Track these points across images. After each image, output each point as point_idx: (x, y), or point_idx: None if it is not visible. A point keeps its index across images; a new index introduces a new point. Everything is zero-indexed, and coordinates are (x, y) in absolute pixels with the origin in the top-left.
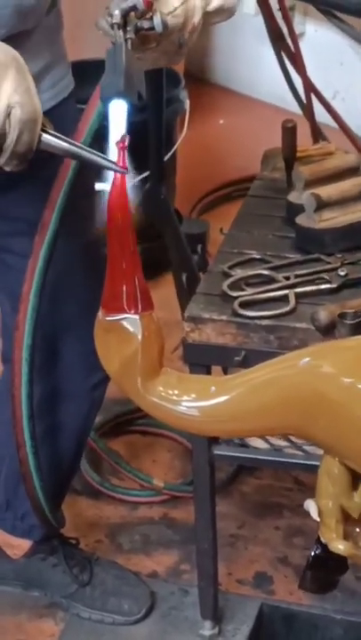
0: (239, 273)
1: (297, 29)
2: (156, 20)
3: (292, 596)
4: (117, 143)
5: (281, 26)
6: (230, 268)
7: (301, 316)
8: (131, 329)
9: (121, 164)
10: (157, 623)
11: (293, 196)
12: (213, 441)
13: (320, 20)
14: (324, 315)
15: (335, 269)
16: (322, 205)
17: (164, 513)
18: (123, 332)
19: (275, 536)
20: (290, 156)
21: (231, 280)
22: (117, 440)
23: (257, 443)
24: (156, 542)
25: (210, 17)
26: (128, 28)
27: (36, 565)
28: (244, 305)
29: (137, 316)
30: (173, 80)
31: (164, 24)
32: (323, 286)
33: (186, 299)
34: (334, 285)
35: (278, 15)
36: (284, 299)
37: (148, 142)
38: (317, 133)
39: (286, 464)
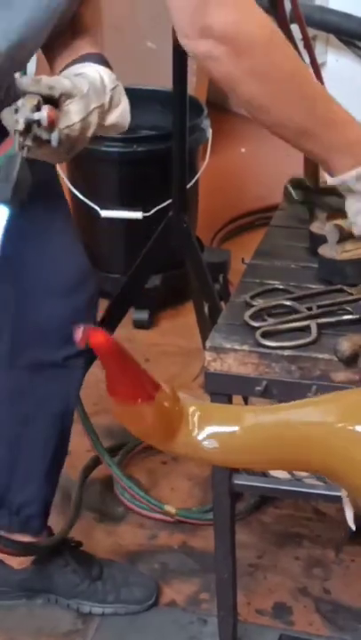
0: (261, 303)
1: (319, 59)
2: (54, 136)
3: (311, 627)
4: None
5: (303, 55)
6: (252, 297)
7: (323, 347)
8: (143, 413)
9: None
10: None
11: (316, 227)
12: (234, 470)
13: (341, 50)
14: (346, 345)
15: (357, 300)
16: (345, 237)
17: (183, 541)
18: (136, 414)
19: (294, 566)
20: (313, 185)
21: (253, 310)
22: (136, 468)
23: (277, 473)
24: (175, 571)
25: (104, 130)
26: (27, 135)
27: (44, 570)
28: (266, 335)
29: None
30: (196, 109)
31: (60, 140)
32: (345, 317)
33: (207, 328)
34: (357, 316)
35: (301, 44)
36: (307, 329)
37: (171, 171)
38: None
39: (306, 494)
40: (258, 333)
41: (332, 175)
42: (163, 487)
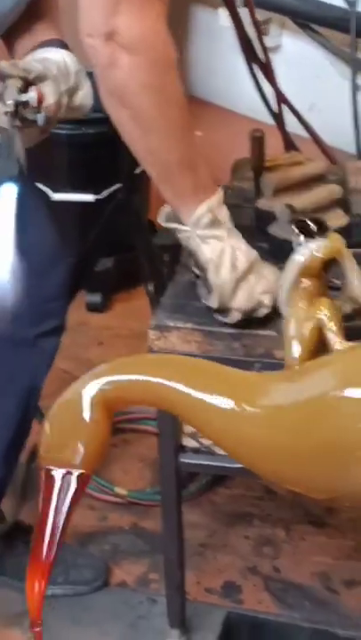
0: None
1: (274, 42)
2: (40, 116)
3: (260, 605)
4: None
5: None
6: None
7: (267, 325)
8: None
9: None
10: (125, 632)
11: (262, 204)
12: (180, 449)
13: (297, 33)
14: None
15: None
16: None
17: (134, 522)
18: None
19: (244, 545)
20: (258, 165)
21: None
22: None
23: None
24: (126, 551)
25: (71, 112)
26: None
27: None
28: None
29: None
30: None
31: (46, 119)
32: None
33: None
34: None
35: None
36: None
37: (119, 155)
38: (290, 144)
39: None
40: (201, 307)
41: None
42: (114, 469)
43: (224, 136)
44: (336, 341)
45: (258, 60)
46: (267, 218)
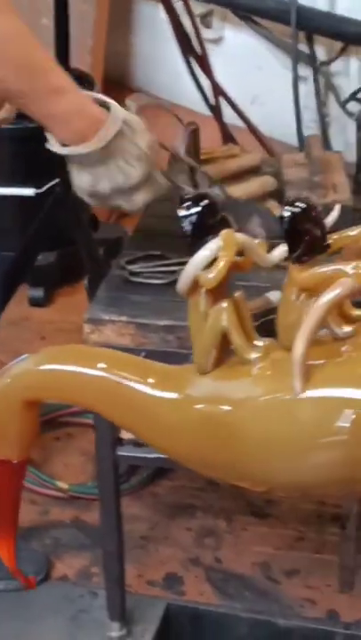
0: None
1: (216, 35)
2: None
3: (201, 596)
4: None
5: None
6: (128, 263)
7: None
8: None
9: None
10: (66, 626)
11: None
12: (118, 442)
13: (239, 25)
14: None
15: None
16: None
17: (76, 516)
18: None
19: (186, 537)
20: (194, 157)
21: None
22: None
23: None
24: (67, 545)
25: None
26: None
27: None
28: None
29: None
30: (87, 84)
31: None
32: None
33: None
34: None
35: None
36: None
37: None
38: (228, 136)
39: None
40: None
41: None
42: (56, 463)
43: (166, 128)
44: (242, 348)
45: (194, 53)
46: None
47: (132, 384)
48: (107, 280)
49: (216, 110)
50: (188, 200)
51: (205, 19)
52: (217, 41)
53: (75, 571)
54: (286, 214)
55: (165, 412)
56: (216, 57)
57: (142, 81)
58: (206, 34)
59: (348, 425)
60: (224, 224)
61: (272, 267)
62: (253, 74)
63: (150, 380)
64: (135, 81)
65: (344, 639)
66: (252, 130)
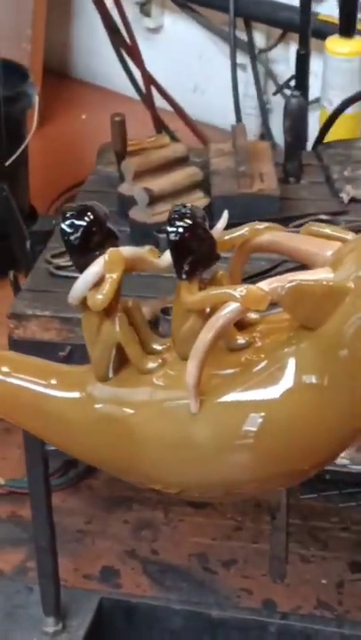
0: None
1: (155, 23)
2: None
3: (138, 588)
4: None
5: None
6: (53, 257)
7: None
8: None
9: None
10: (2, 622)
11: (124, 188)
12: None
13: (178, 14)
14: (145, 310)
15: None
16: (154, 199)
17: (12, 511)
18: None
19: (123, 530)
20: (120, 148)
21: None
22: None
23: None
24: (3, 540)
25: None
26: None
27: None
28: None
29: None
30: (20, 75)
31: None
32: None
33: None
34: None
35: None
36: None
37: None
38: (160, 125)
39: None
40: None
41: None
42: None
43: (107, 118)
44: (137, 360)
45: (124, 43)
46: (128, 202)
47: (34, 387)
48: (32, 274)
49: (147, 99)
50: (71, 213)
51: (144, 7)
52: (157, 30)
53: (11, 566)
54: (171, 234)
55: (68, 411)
56: (156, 46)
57: (82, 71)
58: (146, 23)
59: (254, 429)
60: (111, 237)
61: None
62: (194, 62)
63: (52, 382)
64: (75, 71)
65: (277, 629)
66: (185, 119)
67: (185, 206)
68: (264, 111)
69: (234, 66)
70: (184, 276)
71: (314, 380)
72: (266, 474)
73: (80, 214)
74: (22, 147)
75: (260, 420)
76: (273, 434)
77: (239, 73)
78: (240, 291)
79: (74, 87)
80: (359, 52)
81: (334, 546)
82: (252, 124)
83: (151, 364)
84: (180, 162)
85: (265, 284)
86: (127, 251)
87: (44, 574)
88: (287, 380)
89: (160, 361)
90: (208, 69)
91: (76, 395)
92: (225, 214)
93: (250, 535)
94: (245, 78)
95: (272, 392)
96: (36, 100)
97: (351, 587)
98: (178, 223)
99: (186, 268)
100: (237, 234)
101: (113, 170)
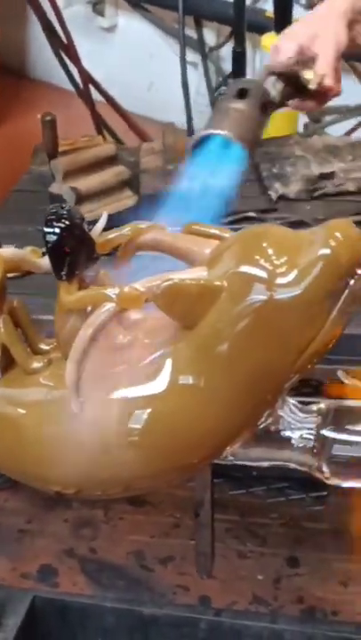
0: None
1: (109, 22)
2: None
3: (75, 587)
4: None
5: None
6: None
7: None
8: None
9: None
10: None
11: (54, 188)
12: None
13: (132, 13)
14: None
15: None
16: (82, 198)
17: None
18: None
19: (62, 528)
20: (51, 148)
21: None
22: None
23: None
24: None
25: None
26: None
27: None
28: None
29: None
30: None
31: None
32: None
33: None
34: (93, 274)
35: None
36: None
37: None
38: (100, 123)
39: None
40: None
41: None
42: None
43: (65, 118)
44: (23, 361)
45: (61, 42)
46: (58, 202)
47: None
48: None
49: (86, 98)
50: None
51: (97, 6)
52: (111, 29)
53: None
54: (48, 235)
55: None
56: (111, 45)
57: (40, 71)
58: (100, 22)
59: (138, 426)
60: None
61: None
62: (147, 61)
63: None
64: (34, 70)
65: (208, 625)
66: (124, 116)
67: (62, 207)
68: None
69: (184, 64)
70: (63, 277)
71: (191, 380)
72: (155, 469)
73: (58, 219)
74: None
75: (145, 417)
76: (157, 431)
77: (191, 71)
78: (115, 291)
79: (32, 87)
80: None
81: (273, 541)
82: (204, 122)
83: (36, 364)
84: (110, 161)
85: (140, 284)
86: (7, 252)
87: None
88: (165, 380)
89: (46, 361)
90: (161, 68)
91: None
92: (104, 215)
93: (188, 532)
94: (197, 76)
95: (153, 390)
96: None
97: (288, 582)
98: (55, 224)
99: (64, 268)
100: (117, 234)
101: (46, 169)
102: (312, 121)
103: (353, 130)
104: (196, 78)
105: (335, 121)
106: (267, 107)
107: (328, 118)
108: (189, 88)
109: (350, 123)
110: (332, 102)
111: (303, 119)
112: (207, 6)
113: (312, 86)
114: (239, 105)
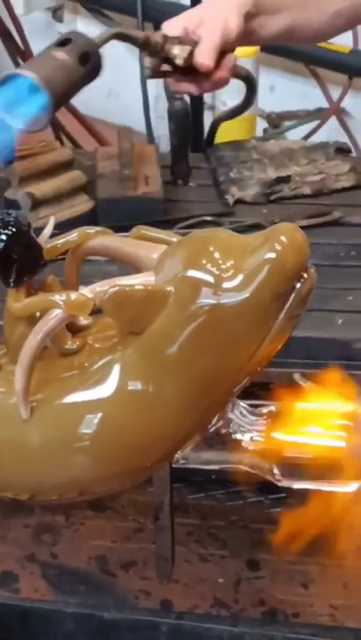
0: None
1: (67, 28)
2: None
3: (36, 593)
4: None
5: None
6: None
7: None
8: None
9: None
10: None
11: (10, 193)
12: None
13: (91, 19)
14: None
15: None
16: (37, 203)
17: None
18: None
19: (24, 534)
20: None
21: None
22: None
23: None
24: None
25: None
26: None
27: None
28: None
29: None
30: None
31: None
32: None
33: None
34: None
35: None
36: None
37: None
38: (59, 129)
39: None
40: None
41: None
42: None
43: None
44: None
45: (17, 47)
46: (13, 207)
47: None
48: None
49: None
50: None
51: (57, 13)
52: None
53: None
54: None
55: None
56: None
57: None
58: (58, 28)
59: (89, 431)
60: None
61: None
62: (107, 66)
63: None
64: None
65: (168, 629)
66: (82, 121)
67: (9, 214)
68: None
69: (142, 70)
70: (11, 284)
71: (139, 385)
72: (107, 473)
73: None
74: None
75: (95, 421)
76: (107, 435)
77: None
78: (62, 297)
79: None
80: (252, 54)
81: (233, 545)
82: (164, 127)
83: None
84: (66, 166)
85: (88, 290)
86: None
87: None
88: (114, 385)
89: None
90: (121, 73)
91: None
92: (51, 220)
93: (150, 537)
94: (157, 82)
95: (103, 395)
96: None
97: (248, 585)
98: (1, 231)
99: (12, 275)
100: (65, 240)
101: (2, 174)
102: (271, 126)
103: (311, 133)
104: (156, 84)
105: (294, 125)
106: (86, 58)
107: (287, 123)
108: (148, 94)
109: (311, 126)
110: (292, 107)
111: (262, 124)
112: (165, 11)
113: (179, 61)
114: (57, 52)
